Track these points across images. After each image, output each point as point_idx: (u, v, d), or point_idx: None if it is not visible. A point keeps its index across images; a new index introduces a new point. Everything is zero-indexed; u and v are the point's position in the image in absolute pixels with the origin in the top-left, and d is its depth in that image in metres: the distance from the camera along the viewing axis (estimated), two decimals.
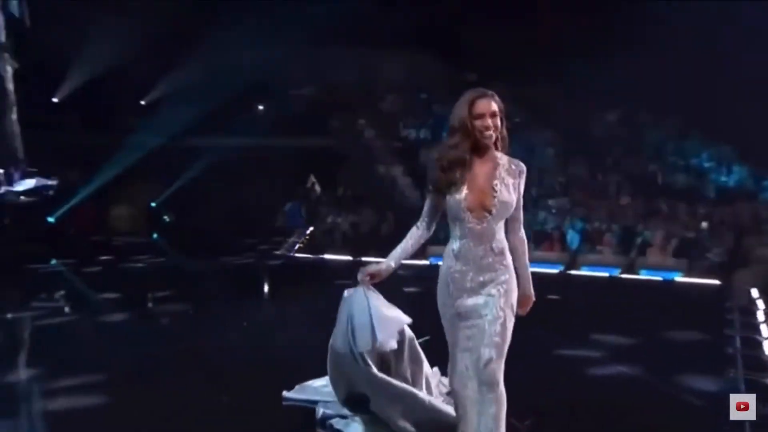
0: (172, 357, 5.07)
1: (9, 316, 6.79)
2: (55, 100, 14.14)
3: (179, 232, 12.48)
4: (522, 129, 15.01)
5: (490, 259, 2.67)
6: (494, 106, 2.66)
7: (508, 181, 2.70)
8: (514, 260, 2.75)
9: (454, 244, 2.72)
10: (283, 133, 13.84)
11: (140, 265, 9.83)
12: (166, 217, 12.97)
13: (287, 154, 13.55)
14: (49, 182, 10.44)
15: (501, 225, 2.72)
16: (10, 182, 10.43)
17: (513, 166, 2.74)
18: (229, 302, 7.06)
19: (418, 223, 2.83)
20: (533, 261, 3.02)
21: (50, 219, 10.35)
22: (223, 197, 12.88)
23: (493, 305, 2.64)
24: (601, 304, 7.20)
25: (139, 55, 13.23)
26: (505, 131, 2.74)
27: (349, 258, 9.84)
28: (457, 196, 2.65)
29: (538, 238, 9.64)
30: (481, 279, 2.68)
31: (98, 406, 4.01)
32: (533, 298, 2.82)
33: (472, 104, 2.66)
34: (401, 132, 14.97)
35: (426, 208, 2.83)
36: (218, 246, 10.70)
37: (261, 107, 15.72)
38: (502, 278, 2.69)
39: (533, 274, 2.85)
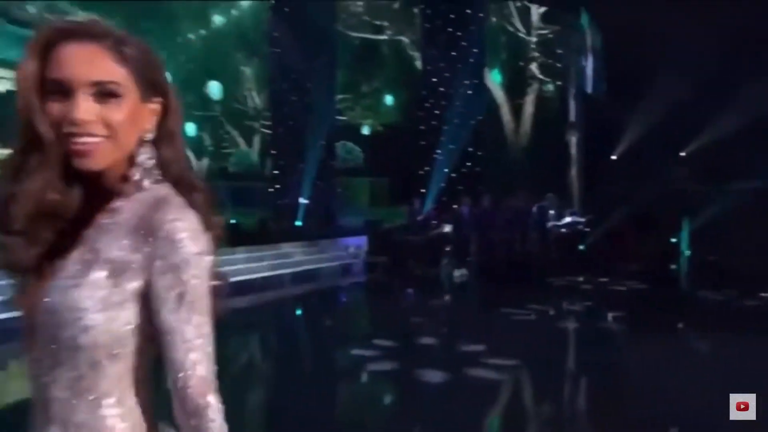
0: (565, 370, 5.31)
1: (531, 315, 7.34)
2: (613, 157, 15.66)
3: (697, 267, 11.95)
4: None
5: None
6: (100, 66, 0.79)
7: (107, 257, 0.80)
8: None
9: None
10: None
11: (623, 289, 9.52)
12: (686, 252, 12.58)
13: None
14: (580, 219, 11.99)
15: (103, 379, 0.81)
16: (559, 219, 12.44)
17: (147, 225, 0.80)
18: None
19: None
20: None
21: (581, 246, 11.75)
22: (748, 236, 11.61)
23: None
24: None
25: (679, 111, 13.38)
26: (174, 144, 0.88)
27: None
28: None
29: None
30: None
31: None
32: None
33: (42, 57, 0.80)
34: None
35: None
36: (720, 281, 9.60)
37: None
38: None
39: None
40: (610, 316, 7.89)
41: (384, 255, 11.81)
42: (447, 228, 11.52)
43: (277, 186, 14.30)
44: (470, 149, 14.20)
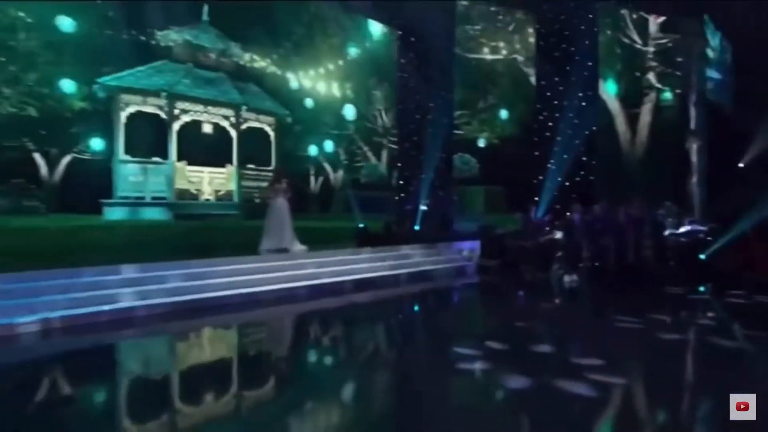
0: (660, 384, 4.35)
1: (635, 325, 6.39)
2: (740, 165, 13.68)
3: None
4: None
5: None
6: None
7: None
8: None
9: None
10: None
11: (746, 302, 7.94)
12: None
13: None
14: (701, 228, 10.55)
15: None
16: (677, 228, 11.09)
17: None
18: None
19: None
20: None
21: (701, 256, 10.37)
22: None
23: None
24: None
25: None
26: None
27: None
28: None
29: None
30: None
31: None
32: None
33: None
34: None
35: None
36: None
37: None
38: None
39: None
40: (730, 328, 6.72)
41: (496, 259, 11.30)
42: (558, 234, 10.74)
43: (402, 194, 14.46)
44: (584, 158, 13.22)
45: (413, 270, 10.42)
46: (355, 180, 24.47)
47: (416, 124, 14.12)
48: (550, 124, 13.90)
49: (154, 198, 15.61)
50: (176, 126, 16.26)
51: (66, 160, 19.41)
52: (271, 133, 18.47)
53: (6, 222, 12.02)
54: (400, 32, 15.07)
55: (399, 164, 14.99)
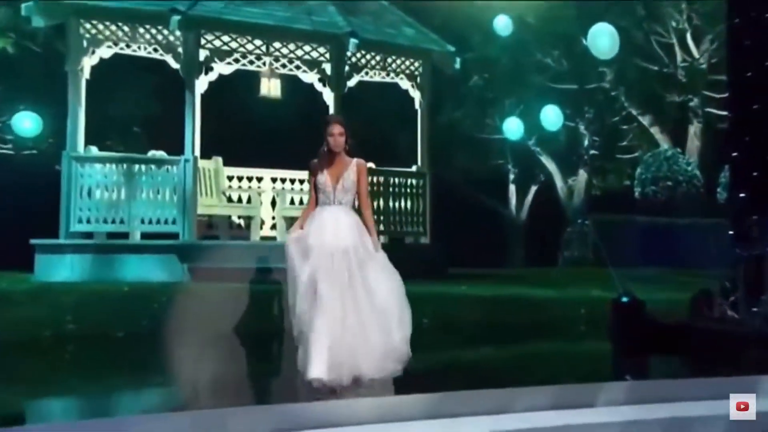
0: None
1: None
2: None
3: None
4: None
5: None
6: None
7: None
8: None
9: None
10: None
11: None
12: None
13: None
14: None
15: None
16: None
17: None
18: None
19: None
20: None
21: None
22: None
23: None
24: None
25: None
26: None
27: None
28: None
29: None
30: None
31: None
32: None
33: None
34: None
35: None
36: None
37: None
38: None
39: None
40: None
41: None
42: None
43: (741, 223, 9.16)
44: None
45: None
46: (617, 192, 18.58)
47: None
48: None
49: (147, 234, 11.22)
50: (202, 84, 11.68)
51: None
52: (416, 94, 12.71)
53: None
54: None
55: (734, 153, 9.99)
